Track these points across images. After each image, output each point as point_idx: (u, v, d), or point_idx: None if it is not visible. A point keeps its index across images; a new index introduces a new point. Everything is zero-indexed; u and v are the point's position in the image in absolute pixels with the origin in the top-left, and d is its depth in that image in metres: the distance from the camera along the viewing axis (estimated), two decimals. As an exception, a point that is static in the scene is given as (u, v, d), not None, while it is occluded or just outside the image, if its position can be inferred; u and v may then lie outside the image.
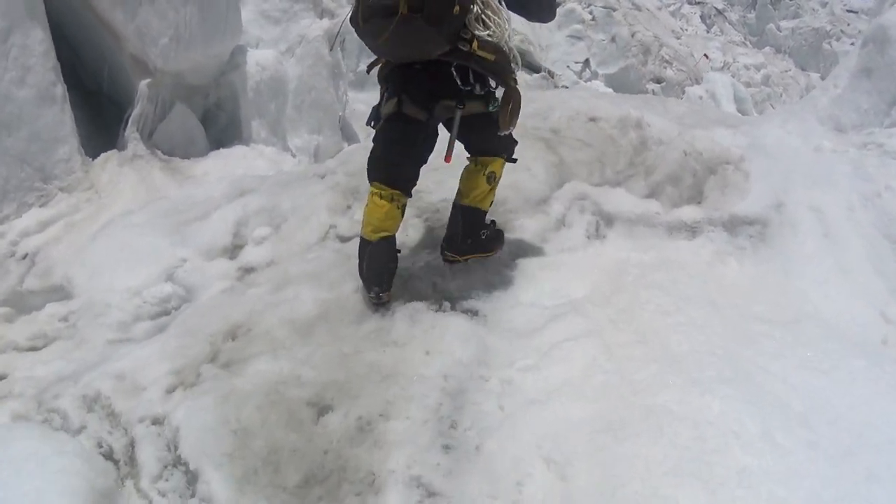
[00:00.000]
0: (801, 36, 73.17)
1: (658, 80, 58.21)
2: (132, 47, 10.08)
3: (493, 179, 5.08)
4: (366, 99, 51.47)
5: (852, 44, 72.38)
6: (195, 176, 10.25)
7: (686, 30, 66.46)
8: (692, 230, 6.08)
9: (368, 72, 4.99)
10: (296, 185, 7.10)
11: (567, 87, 48.24)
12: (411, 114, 4.60)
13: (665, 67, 58.73)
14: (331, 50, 14.60)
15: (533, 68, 56.27)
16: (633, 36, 57.32)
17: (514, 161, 5.28)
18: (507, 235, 5.70)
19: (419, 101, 4.58)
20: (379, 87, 4.85)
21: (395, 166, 4.76)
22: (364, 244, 4.80)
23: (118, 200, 8.15)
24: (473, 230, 5.13)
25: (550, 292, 5.28)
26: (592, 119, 8.26)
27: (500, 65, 4.52)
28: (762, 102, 43.42)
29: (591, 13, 57.61)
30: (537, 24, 54.62)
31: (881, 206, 5.84)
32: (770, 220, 5.98)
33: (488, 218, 5.32)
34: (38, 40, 8.63)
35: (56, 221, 7.82)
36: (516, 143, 5.22)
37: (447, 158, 4.57)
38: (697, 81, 56.94)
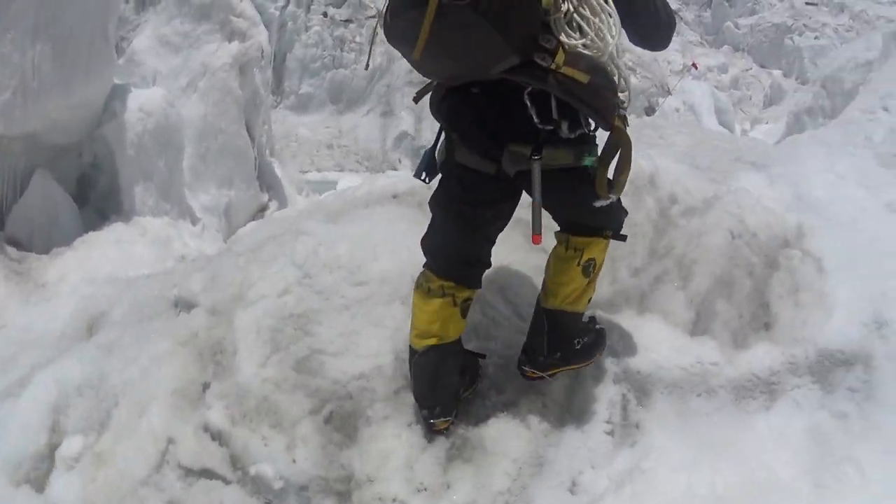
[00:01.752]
0: (760, 32, 75.06)
1: (621, 90, 58.13)
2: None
3: (591, 269, 3.72)
4: (310, 122, 50.85)
5: (816, 38, 76.46)
6: (48, 283, 8.55)
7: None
8: (770, 390, 4.38)
9: (416, 101, 3.70)
10: (135, 333, 5.14)
11: None
12: (468, 164, 3.39)
13: (628, 75, 58.96)
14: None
15: None
16: None
17: (624, 238, 3.86)
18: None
19: (478, 144, 3.33)
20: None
21: (447, 246, 3.63)
22: (411, 355, 3.79)
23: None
24: (564, 341, 3.83)
25: None
26: None
27: (599, 93, 3.04)
28: (735, 106, 41.94)
29: None
30: None
31: None
32: (873, 352, 4.39)
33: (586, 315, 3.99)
34: None
35: None
36: (625, 212, 3.84)
37: (535, 238, 3.20)
38: (664, 89, 57.92)
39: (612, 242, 3.89)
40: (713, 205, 5.53)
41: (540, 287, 3.90)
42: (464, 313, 3.72)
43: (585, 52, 2.99)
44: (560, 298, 3.72)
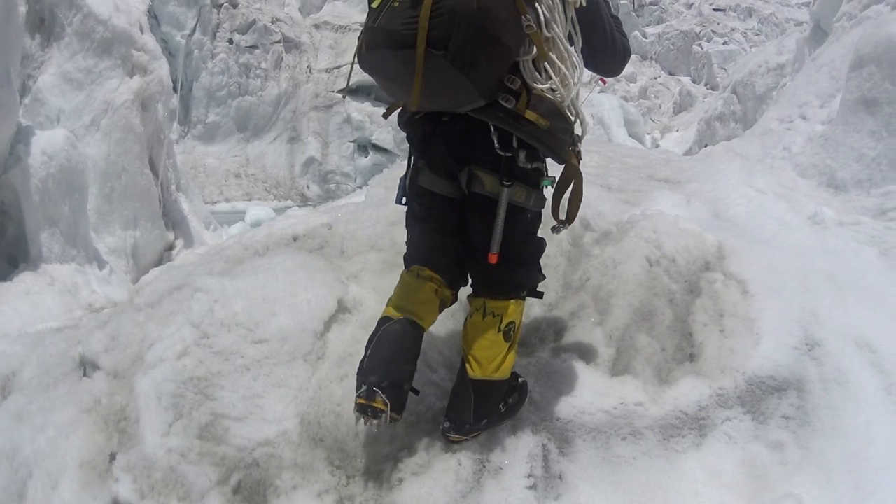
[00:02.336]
0: (668, 40, 75.84)
1: None
2: None
3: (511, 333, 3.67)
4: (218, 152, 50.00)
5: (725, 43, 77.38)
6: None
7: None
8: (699, 426, 4.15)
9: (386, 117, 3.74)
10: (42, 400, 4.70)
11: None
12: (433, 188, 3.58)
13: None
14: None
15: (390, 103, 55.40)
16: None
17: (541, 296, 3.93)
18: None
19: (442, 167, 3.53)
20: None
21: (433, 256, 3.73)
22: (381, 324, 3.66)
23: None
24: (491, 408, 3.75)
25: None
26: None
27: (556, 135, 3.34)
28: (645, 115, 42.16)
29: None
30: None
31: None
32: (806, 376, 4.28)
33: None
34: None
35: None
36: (543, 275, 3.97)
37: (492, 257, 3.44)
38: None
39: None
40: (628, 231, 5.32)
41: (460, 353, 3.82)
42: (440, 309, 3.81)
43: (548, 96, 3.28)
44: (484, 367, 3.64)
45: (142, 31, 13.97)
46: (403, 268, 3.91)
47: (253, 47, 52.80)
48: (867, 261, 5.46)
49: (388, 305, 3.79)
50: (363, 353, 3.67)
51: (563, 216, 3.72)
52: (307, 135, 52.64)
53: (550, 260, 5.26)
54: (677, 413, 4.14)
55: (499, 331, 3.65)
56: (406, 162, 3.84)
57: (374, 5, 3.23)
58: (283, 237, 5.67)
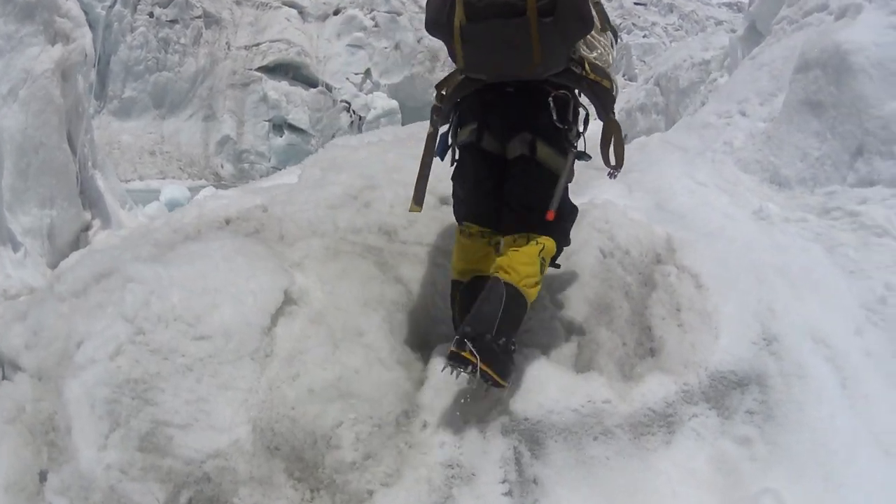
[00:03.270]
0: None
1: None
2: None
3: (543, 267, 4.03)
4: (133, 128, 48.64)
5: (644, 36, 78.93)
6: None
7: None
8: (668, 423, 4.14)
9: (440, 96, 4.20)
10: None
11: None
12: (491, 149, 4.10)
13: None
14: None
15: (309, 83, 55.36)
16: (419, 41, 57.64)
17: (558, 266, 4.53)
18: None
19: (500, 133, 4.07)
20: (435, 111, 4.25)
21: (478, 205, 4.21)
22: (454, 286, 4.25)
23: None
24: (511, 328, 3.79)
25: None
26: (443, 200, 5.42)
27: (610, 93, 4.07)
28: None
29: (373, 19, 57.52)
30: (314, 33, 55.92)
31: (891, 318, 5.01)
32: (766, 370, 4.35)
33: None
34: None
35: None
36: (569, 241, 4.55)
37: (549, 214, 3.90)
38: None
39: None
40: (580, 221, 5.05)
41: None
42: (496, 250, 4.13)
43: (598, 63, 4.01)
44: (521, 276, 3.85)
45: (66, -4, 13.32)
46: (456, 224, 4.40)
47: (173, 21, 51.12)
48: (815, 257, 5.55)
49: (454, 269, 4.29)
50: (451, 307, 4.29)
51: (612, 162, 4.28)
52: (223, 113, 51.49)
53: None
54: (645, 410, 4.08)
55: (539, 255, 3.96)
56: (450, 124, 4.32)
57: None
58: (216, 219, 5.25)
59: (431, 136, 4.27)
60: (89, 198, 12.86)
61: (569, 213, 4.38)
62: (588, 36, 3.98)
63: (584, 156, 4.19)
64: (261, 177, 44.37)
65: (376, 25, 54.11)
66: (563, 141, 4.05)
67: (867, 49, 6.31)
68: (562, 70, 3.89)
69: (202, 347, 3.78)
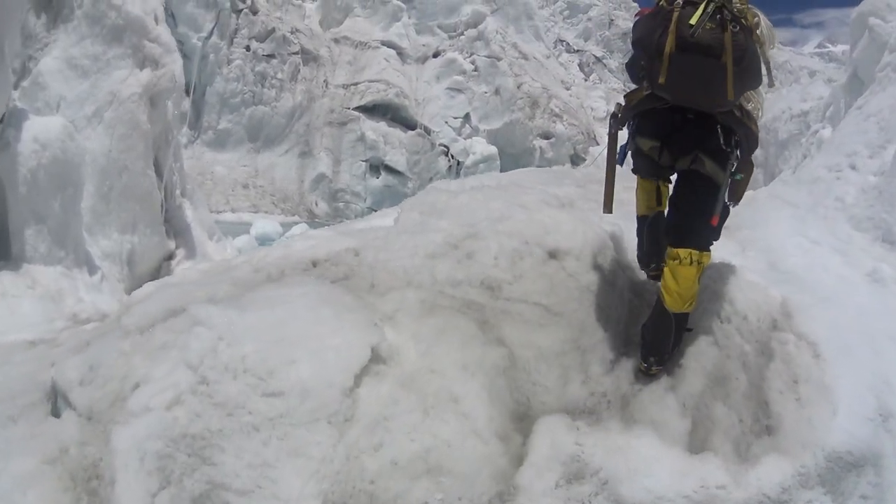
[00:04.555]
0: None
1: (546, 136, 59.08)
2: None
3: (700, 275, 4.76)
4: (227, 160, 49.05)
5: None
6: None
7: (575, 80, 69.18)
8: None
9: (630, 109, 4.88)
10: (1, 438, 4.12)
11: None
12: (665, 164, 4.83)
13: (554, 122, 59.86)
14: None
15: (408, 125, 55.33)
16: (518, 87, 58.11)
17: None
18: None
19: (677, 151, 4.73)
20: (613, 118, 5.04)
21: (655, 172, 5.00)
22: (642, 220, 5.18)
23: None
24: (679, 337, 4.74)
25: None
26: (552, 254, 5.17)
27: (756, 137, 4.76)
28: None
29: (472, 63, 57.89)
30: (413, 75, 56.80)
31: None
32: (882, 450, 4.05)
33: None
34: None
35: None
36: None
37: (714, 219, 4.64)
38: (590, 137, 57.41)
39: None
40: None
41: None
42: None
43: (752, 112, 4.70)
44: (685, 302, 4.57)
45: (157, 21, 13.24)
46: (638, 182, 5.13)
47: (270, 56, 51.71)
48: None
49: (640, 207, 5.15)
50: (637, 237, 5.19)
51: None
52: (319, 150, 51.59)
53: (611, 313, 4.88)
54: (760, 497, 3.84)
55: (697, 276, 4.62)
56: (630, 139, 4.95)
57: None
58: (302, 261, 4.90)
59: (613, 138, 5.06)
60: (175, 226, 12.70)
61: (725, 216, 4.90)
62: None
63: (733, 195, 4.80)
64: (355, 217, 44.42)
65: (476, 69, 54.16)
66: (726, 161, 4.63)
67: None
68: (728, 111, 4.53)
69: (273, 406, 3.45)
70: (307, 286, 4.19)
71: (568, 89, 61.58)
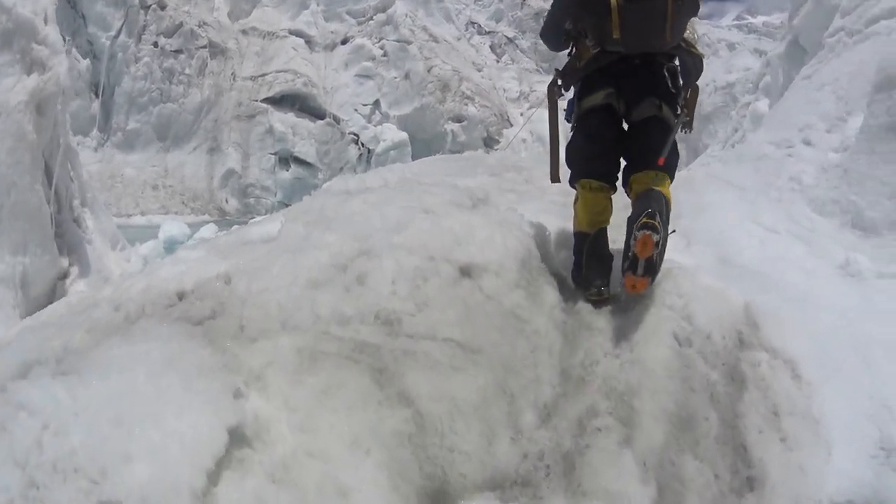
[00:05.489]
0: None
1: (458, 120, 59.10)
2: None
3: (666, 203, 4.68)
4: (136, 161, 47.97)
5: None
6: None
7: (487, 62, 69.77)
8: None
9: (577, 71, 4.95)
10: None
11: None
12: (620, 110, 4.84)
13: (466, 104, 59.74)
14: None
15: (317, 114, 54.80)
16: (429, 71, 57.85)
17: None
18: None
19: (631, 97, 4.80)
20: (554, 86, 5.12)
21: (602, 160, 4.86)
22: (582, 237, 4.80)
23: None
24: (667, 224, 4.45)
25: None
26: (465, 271, 4.20)
27: (702, 60, 4.95)
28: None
29: (382, 48, 57.57)
30: (321, 63, 56.57)
31: None
32: (888, 494, 3.34)
33: None
34: None
35: None
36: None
37: (661, 160, 4.62)
38: (504, 118, 57.31)
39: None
40: (646, 295, 4.23)
41: None
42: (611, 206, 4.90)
43: (689, 39, 4.90)
44: (665, 189, 4.63)
45: (46, 21, 12.23)
46: (574, 181, 4.90)
47: (178, 52, 50.67)
48: None
49: (579, 222, 4.82)
50: (575, 256, 4.74)
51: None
52: (227, 145, 50.84)
53: (542, 339, 3.99)
54: None
55: (666, 181, 4.73)
56: (577, 90, 4.97)
57: None
58: (165, 294, 3.96)
59: (554, 106, 5.16)
60: (67, 242, 11.81)
61: (676, 156, 4.94)
62: None
63: (687, 123, 4.94)
64: (266, 212, 43.81)
65: (385, 55, 53.76)
66: (675, 102, 4.80)
67: (971, 60, 5.59)
68: (675, 45, 4.72)
69: (107, 521, 2.52)
70: (152, 342, 3.25)
71: (480, 71, 61.50)
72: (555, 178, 5.11)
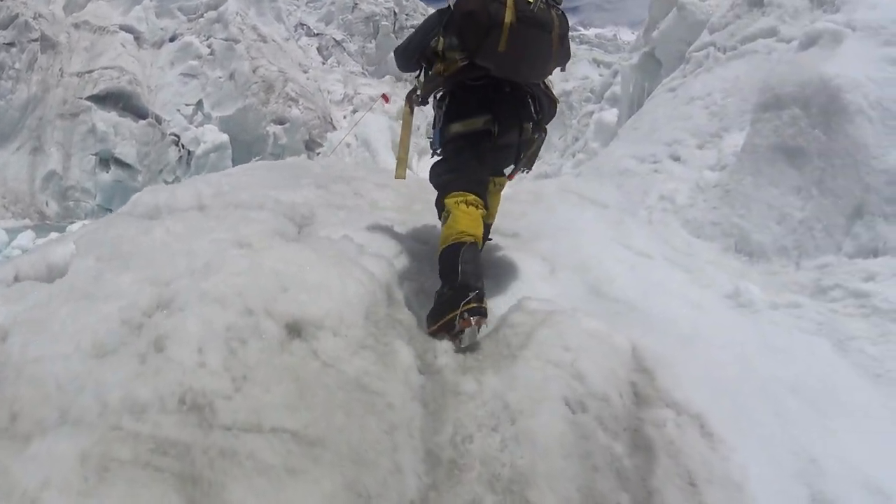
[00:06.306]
0: None
1: (281, 122, 59.05)
2: None
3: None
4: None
5: None
6: None
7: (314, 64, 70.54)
8: None
9: (440, 79, 4.94)
10: None
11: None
12: (491, 129, 4.86)
13: (290, 106, 59.28)
14: None
15: (139, 114, 53.23)
16: (254, 71, 57.17)
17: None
18: None
19: (506, 123, 4.87)
20: (427, 94, 5.14)
21: (476, 179, 4.85)
22: (454, 248, 4.39)
23: None
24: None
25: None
26: (294, 329, 3.27)
27: (556, 107, 5.17)
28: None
29: (209, 46, 56.73)
30: (148, 60, 55.87)
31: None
32: None
33: None
34: None
35: None
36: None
37: (512, 175, 5.22)
38: (327, 121, 56.85)
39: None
40: (516, 344, 3.69)
41: None
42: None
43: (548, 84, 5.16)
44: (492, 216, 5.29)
45: None
46: (447, 194, 4.75)
47: (10, 45, 48.43)
48: (827, 360, 4.43)
49: (450, 235, 4.47)
50: (447, 268, 4.22)
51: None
52: (50, 145, 48.66)
53: (397, 414, 3.05)
54: None
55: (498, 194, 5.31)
56: (447, 112, 4.96)
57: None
58: None
59: (409, 113, 5.19)
60: None
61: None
62: None
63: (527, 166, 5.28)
64: (86, 217, 41.88)
65: (212, 53, 52.79)
66: (539, 129, 4.98)
67: (864, 86, 5.42)
68: (536, 83, 4.95)
69: None
70: None
71: (306, 73, 61.21)
72: (401, 175, 5.26)
